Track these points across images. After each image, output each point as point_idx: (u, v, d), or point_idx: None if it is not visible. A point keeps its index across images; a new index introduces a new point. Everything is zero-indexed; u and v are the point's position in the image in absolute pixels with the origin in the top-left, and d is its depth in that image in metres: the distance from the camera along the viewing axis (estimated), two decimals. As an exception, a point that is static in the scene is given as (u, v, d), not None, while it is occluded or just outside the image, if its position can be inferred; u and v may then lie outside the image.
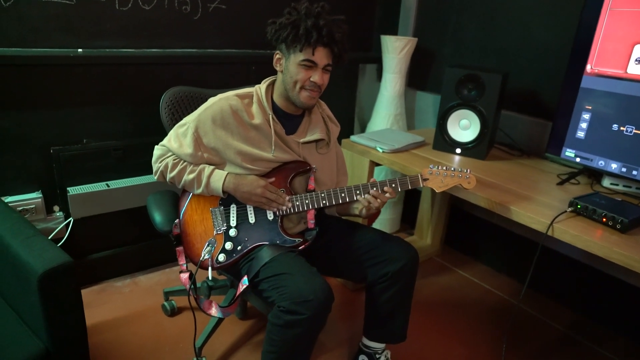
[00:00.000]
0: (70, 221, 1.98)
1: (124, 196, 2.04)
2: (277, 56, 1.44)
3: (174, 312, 1.98)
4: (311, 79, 1.41)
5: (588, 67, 1.75)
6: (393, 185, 1.49)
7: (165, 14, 2.00)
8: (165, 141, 1.51)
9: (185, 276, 1.52)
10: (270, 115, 1.47)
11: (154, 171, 1.52)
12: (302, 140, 1.53)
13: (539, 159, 2.10)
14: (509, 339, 2.00)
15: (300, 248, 1.49)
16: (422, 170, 1.53)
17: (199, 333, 1.76)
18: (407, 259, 1.54)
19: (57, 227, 1.96)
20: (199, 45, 2.13)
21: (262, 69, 2.30)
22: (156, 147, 1.53)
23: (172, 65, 2.09)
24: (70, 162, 1.95)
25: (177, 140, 1.48)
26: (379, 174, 2.65)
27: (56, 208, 1.99)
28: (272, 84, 1.52)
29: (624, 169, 1.72)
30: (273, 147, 1.48)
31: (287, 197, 1.50)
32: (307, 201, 1.50)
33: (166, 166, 1.48)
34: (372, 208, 1.48)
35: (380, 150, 2.02)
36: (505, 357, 1.90)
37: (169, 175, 1.48)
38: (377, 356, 1.70)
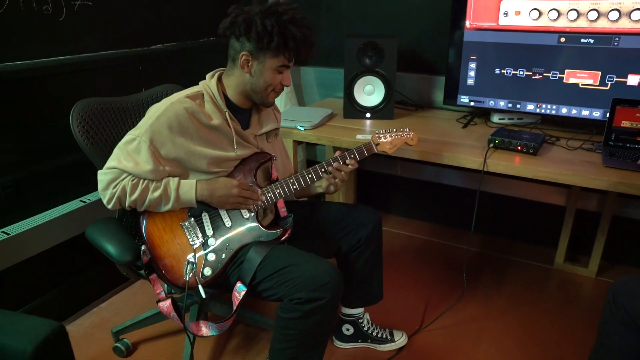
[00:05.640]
0: (-34, 288, 1.59)
1: (30, 240, 1.69)
2: (245, 58, 1.34)
3: (129, 351, 1.76)
4: (283, 83, 1.40)
5: (467, 23, 2.02)
6: (352, 155, 1.54)
7: (24, 17, 1.66)
8: (113, 163, 1.31)
9: (166, 304, 1.37)
10: (227, 113, 1.39)
11: (106, 199, 1.31)
12: (259, 132, 1.49)
13: (432, 109, 2.37)
14: (444, 272, 2.28)
15: (283, 238, 1.46)
16: (372, 137, 1.61)
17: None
18: (374, 221, 1.64)
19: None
20: (72, 50, 1.84)
21: (149, 68, 2.09)
22: (101, 172, 1.32)
23: (48, 77, 1.76)
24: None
25: (129, 159, 1.29)
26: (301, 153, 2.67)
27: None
28: (219, 78, 1.43)
29: (510, 105, 2.06)
30: (235, 146, 1.40)
31: (259, 191, 1.45)
32: (278, 190, 1.47)
33: (123, 190, 1.29)
34: (339, 183, 1.53)
35: (302, 129, 2.04)
36: (453, 285, 2.17)
37: (129, 200, 1.30)
38: (360, 321, 1.78)
